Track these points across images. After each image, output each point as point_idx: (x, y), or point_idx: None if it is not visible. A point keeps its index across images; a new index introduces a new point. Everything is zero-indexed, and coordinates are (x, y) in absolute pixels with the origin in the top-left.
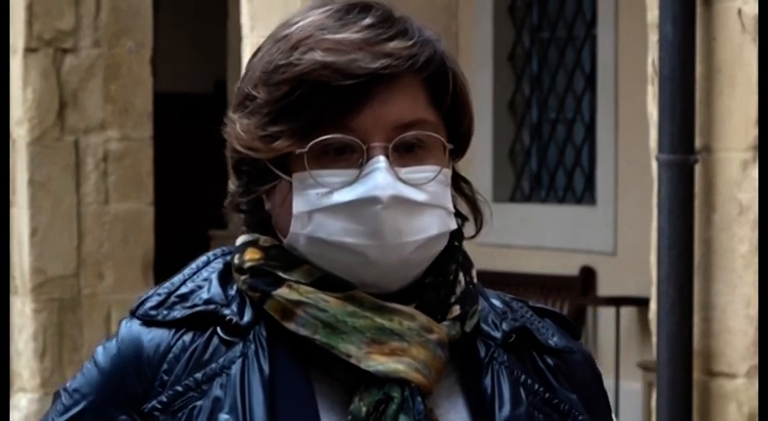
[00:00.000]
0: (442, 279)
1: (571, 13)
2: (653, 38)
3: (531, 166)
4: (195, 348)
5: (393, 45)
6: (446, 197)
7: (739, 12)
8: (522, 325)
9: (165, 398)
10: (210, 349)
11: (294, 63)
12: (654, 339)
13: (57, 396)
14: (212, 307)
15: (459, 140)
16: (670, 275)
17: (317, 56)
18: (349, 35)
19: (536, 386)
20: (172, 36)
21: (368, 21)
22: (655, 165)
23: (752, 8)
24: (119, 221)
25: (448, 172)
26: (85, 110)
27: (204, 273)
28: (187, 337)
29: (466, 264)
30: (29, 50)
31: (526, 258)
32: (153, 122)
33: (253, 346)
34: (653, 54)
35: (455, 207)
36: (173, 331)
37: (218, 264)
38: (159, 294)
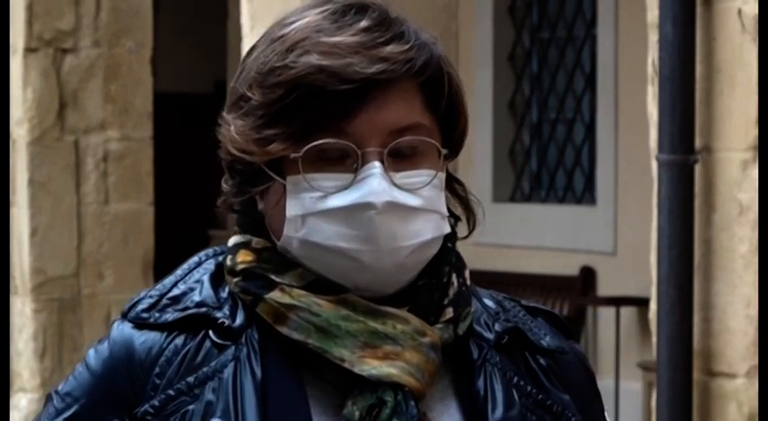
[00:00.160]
0: (435, 281)
1: (571, 13)
2: (653, 38)
3: (531, 166)
4: (187, 351)
5: (389, 49)
6: (440, 201)
7: (739, 12)
8: (514, 325)
9: (157, 402)
10: (203, 352)
11: (290, 66)
12: (654, 339)
13: (48, 399)
14: (204, 310)
15: (453, 142)
16: (670, 275)
17: (313, 59)
18: (345, 38)
19: (529, 387)
20: (172, 36)
21: (364, 23)
22: (655, 165)
23: (752, 8)
24: (119, 221)
25: (442, 175)
26: (85, 110)
27: (196, 275)
28: (179, 340)
29: (459, 265)
30: (29, 50)
31: (526, 258)
32: (153, 122)
33: (245, 350)
34: (653, 54)
35: (448, 208)
36: (165, 334)
37: (209, 265)
38: (151, 296)
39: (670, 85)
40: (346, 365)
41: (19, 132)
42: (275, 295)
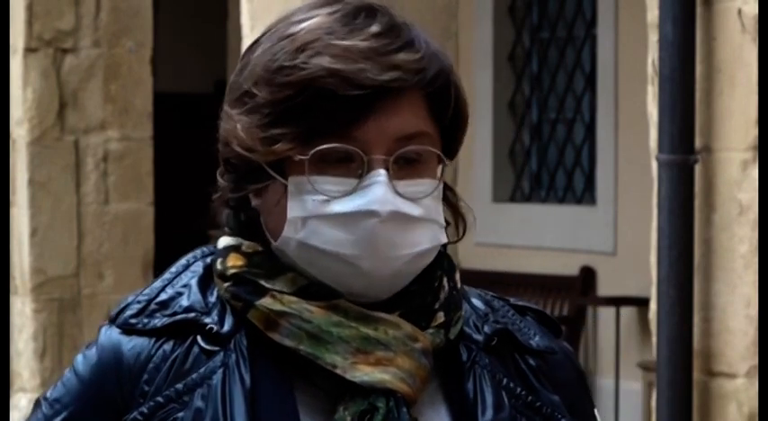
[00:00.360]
0: (427, 286)
1: (571, 13)
2: (653, 38)
3: (531, 166)
4: (176, 358)
5: (401, 57)
6: (438, 211)
7: (739, 12)
8: (503, 327)
9: (146, 409)
10: (191, 358)
11: (300, 66)
12: (654, 339)
13: (37, 405)
14: (192, 315)
15: (450, 153)
16: (670, 275)
17: (325, 62)
18: (357, 43)
19: (518, 389)
20: (172, 36)
21: (375, 28)
22: (655, 165)
23: (752, 8)
24: (119, 221)
25: (440, 185)
26: (85, 110)
27: (184, 278)
28: (167, 346)
29: (450, 268)
30: (29, 50)
31: (526, 258)
32: (153, 122)
33: (234, 356)
34: (653, 54)
35: None
36: (153, 340)
37: (197, 268)
38: (139, 301)
39: (670, 85)
40: (338, 371)
41: (19, 132)
42: (266, 302)
